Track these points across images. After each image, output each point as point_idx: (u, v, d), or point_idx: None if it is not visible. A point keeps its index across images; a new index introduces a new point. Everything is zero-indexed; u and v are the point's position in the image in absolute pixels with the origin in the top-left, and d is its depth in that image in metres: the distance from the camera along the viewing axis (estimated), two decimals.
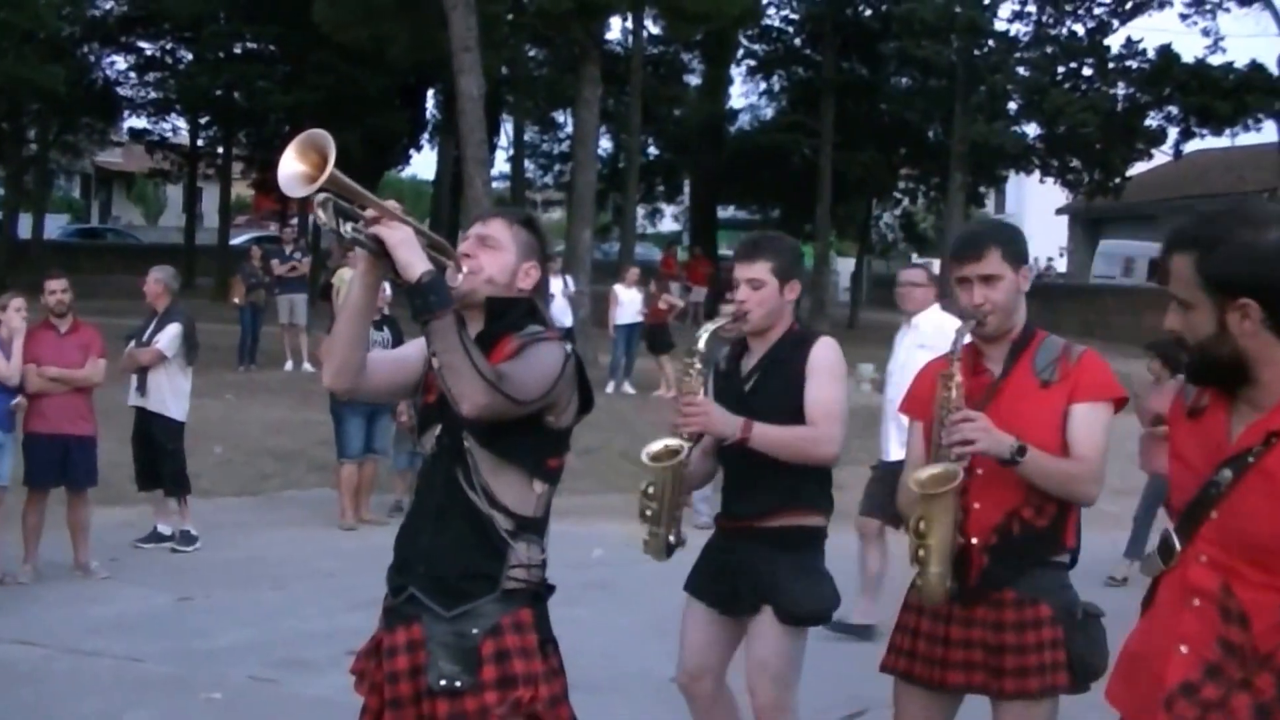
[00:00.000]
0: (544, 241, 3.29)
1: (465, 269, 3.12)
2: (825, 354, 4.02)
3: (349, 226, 2.88)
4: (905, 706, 3.68)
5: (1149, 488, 9.12)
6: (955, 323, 4.13)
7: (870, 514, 7.13)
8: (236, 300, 17.85)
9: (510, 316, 3.15)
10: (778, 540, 3.98)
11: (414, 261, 2.86)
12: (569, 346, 3.13)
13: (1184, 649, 2.39)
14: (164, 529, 9.22)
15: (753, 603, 3.98)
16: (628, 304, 17.04)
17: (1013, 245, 3.58)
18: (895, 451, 6.57)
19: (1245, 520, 2.33)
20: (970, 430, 3.36)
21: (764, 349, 4.11)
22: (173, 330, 8.96)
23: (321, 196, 2.78)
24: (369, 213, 2.91)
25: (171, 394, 9.05)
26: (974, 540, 3.49)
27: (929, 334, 6.59)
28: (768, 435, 3.91)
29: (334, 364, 3.13)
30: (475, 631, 2.99)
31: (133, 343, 9.15)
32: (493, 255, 3.16)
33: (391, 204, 2.98)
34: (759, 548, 3.98)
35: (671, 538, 4.02)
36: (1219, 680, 2.33)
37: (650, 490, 3.96)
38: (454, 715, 2.98)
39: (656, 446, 3.94)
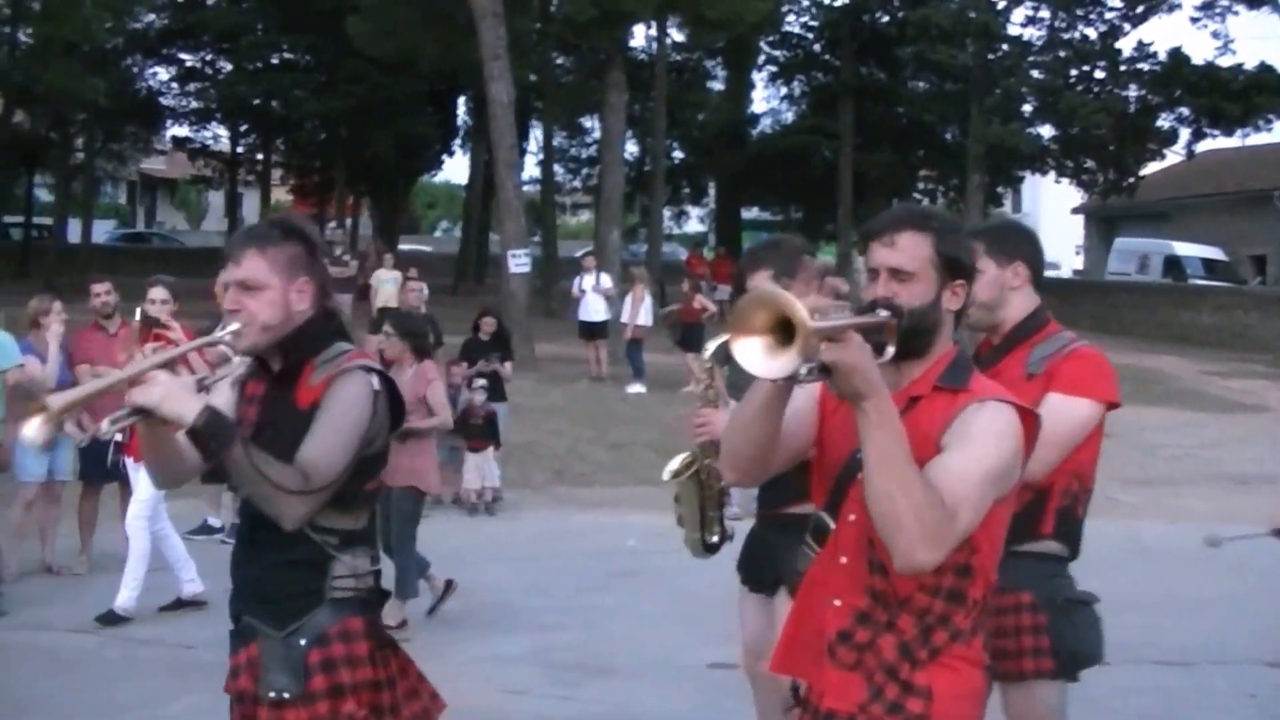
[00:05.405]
0: (309, 239, 3.06)
1: (235, 324, 2.93)
2: None
3: (106, 423, 2.78)
4: None
5: None
6: None
7: None
8: None
9: (303, 344, 3.00)
10: (794, 527, 3.92)
11: (182, 412, 2.71)
12: (374, 378, 2.97)
13: (837, 602, 2.62)
14: (214, 521, 9.41)
15: (773, 582, 4.02)
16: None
17: (997, 243, 3.53)
18: None
19: None
20: None
21: None
22: None
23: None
24: (105, 386, 2.84)
25: None
26: None
27: None
28: None
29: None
30: (303, 642, 2.95)
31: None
32: (256, 298, 2.94)
33: (141, 355, 2.92)
34: (778, 533, 3.96)
35: (713, 537, 4.12)
36: (868, 625, 2.58)
37: (677, 498, 4.12)
38: None
39: (676, 462, 4.10)
